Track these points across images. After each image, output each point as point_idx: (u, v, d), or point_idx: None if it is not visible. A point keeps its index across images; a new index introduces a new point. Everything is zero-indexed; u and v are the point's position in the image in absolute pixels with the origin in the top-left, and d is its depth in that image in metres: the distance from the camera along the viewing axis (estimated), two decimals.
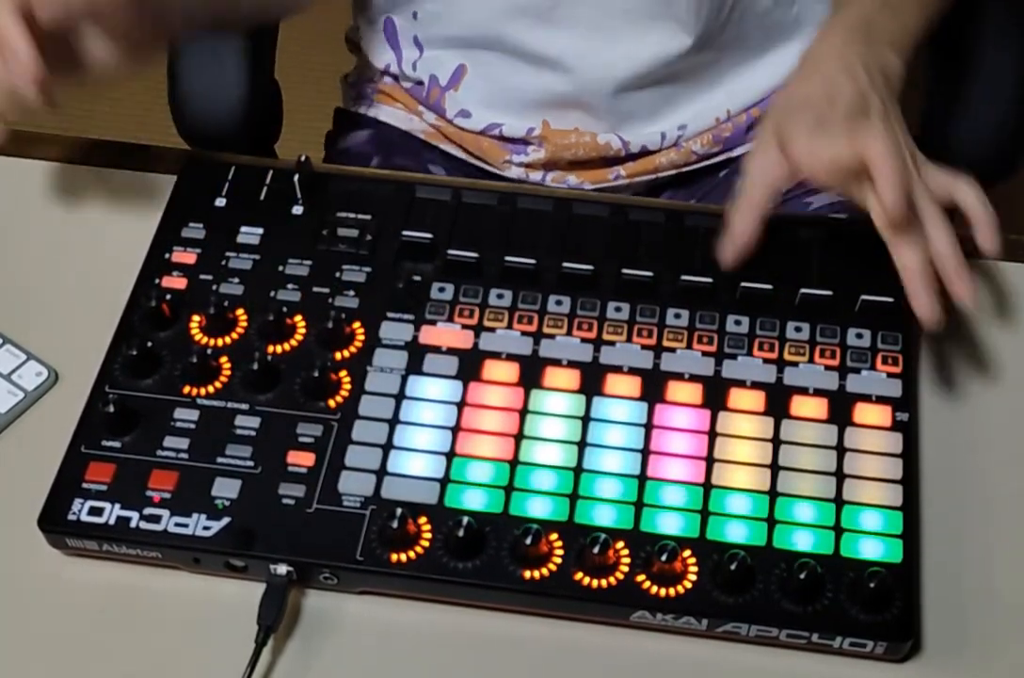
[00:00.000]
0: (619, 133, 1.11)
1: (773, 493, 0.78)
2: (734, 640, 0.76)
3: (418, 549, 0.76)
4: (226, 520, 0.77)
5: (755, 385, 0.82)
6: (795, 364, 0.83)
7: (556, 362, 0.83)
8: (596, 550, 0.74)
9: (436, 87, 1.13)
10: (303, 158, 0.90)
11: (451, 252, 0.86)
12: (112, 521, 0.77)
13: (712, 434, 0.80)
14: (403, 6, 1.10)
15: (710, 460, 0.79)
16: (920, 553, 0.79)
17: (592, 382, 0.82)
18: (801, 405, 0.81)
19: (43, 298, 0.90)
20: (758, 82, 1.13)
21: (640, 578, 0.75)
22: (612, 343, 0.83)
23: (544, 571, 0.75)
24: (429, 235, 0.87)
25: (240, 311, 0.85)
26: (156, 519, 0.77)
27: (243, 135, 1.14)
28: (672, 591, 0.75)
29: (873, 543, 0.76)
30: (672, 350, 0.83)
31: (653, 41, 1.05)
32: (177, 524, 0.77)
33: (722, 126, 1.13)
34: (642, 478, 0.78)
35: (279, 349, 0.83)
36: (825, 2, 1.04)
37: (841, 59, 0.85)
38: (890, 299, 0.84)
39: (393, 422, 0.81)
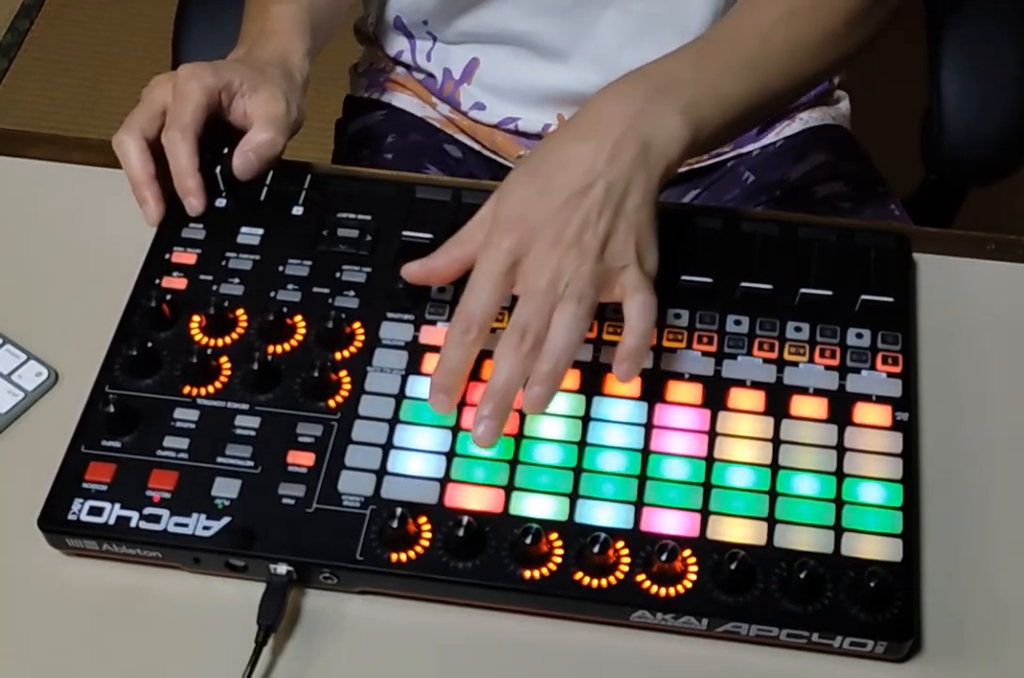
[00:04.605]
0: None
1: (773, 492, 0.78)
2: (734, 640, 0.76)
3: (418, 549, 0.76)
4: (226, 520, 0.77)
5: (755, 385, 0.82)
6: (795, 364, 0.83)
7: None
8: (596, 550, 0.74)
9: (450, 80, 1.13)
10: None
11: None
12: (112, 521, 0.77)
13: (712, 434, 0.80)
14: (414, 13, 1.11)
15: (710, 459, 0.79)
16: (920, 553, 0.79)
17: (592, 382, 0.82)
18: (801, 405, 0.81)
19: (43, 298, 0.90)
20: None
21: (640, 578, 0.75)
22: (612, 343, 0.83)
23: (544, 571, 0.75)
24: (429, 235, 0.87)
25: (240, 311, 0.85)
26: (156, 519, 0.77)
27: None
28: (672, 591, 0.75)
29: (873, 542, 0.76)
30: (672, 350, 0.83)
31: (670, 42, 1.05)
32: (177, 524, 0.77)
33: None
34: (642, 478, 0.78)
35: (279, 349, 0.83)
36: None
37: (600, 126, 0.79)
38: (890, 299, 0.85)
39: (393, 422, 0.80)
